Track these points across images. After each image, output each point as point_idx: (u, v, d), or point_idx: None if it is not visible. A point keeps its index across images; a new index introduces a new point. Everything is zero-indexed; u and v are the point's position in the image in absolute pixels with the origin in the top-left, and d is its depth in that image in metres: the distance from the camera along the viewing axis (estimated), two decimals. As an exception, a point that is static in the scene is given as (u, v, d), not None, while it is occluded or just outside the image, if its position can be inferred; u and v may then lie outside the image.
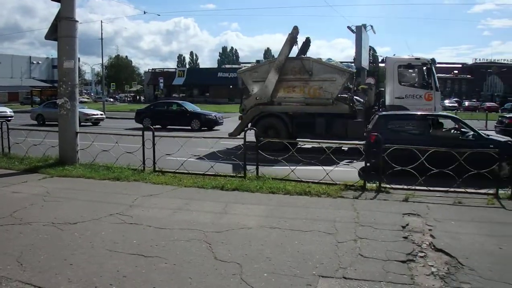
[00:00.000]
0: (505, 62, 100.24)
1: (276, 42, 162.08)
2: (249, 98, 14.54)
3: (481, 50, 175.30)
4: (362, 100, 15.07)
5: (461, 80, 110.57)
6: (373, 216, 6.15)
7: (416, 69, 14.06)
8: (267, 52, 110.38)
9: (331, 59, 14.71)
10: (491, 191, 7.53)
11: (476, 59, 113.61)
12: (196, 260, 4.65)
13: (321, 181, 8.10)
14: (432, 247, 5.04)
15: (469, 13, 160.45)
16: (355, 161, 9.22)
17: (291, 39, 14.16)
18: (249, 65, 17.33)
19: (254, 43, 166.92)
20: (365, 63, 33.32)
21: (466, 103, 62.23)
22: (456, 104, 57.63)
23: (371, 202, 7.07)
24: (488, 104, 60.35)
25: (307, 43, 15.26)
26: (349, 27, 29.99)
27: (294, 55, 14.56)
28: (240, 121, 14.84)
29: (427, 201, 7.03)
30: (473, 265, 4.55)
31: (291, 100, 14.19)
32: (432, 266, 4.57)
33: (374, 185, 7.83)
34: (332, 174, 8.19)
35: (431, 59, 14.04)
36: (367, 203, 6.96)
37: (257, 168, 8.69)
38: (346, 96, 14.52)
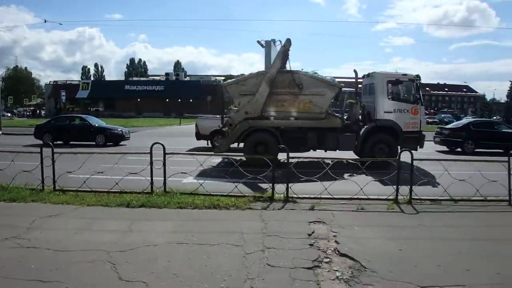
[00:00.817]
0: (359, 78, 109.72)
1: (187, 55, 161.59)
2: (237, 112, 14.11)
3: (383, 65, 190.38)
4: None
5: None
6: (280, 226, 6.30)
7: (403, 84, 14.67)
8: (177, 64, 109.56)
9: (316, 73, 14.87)
10: (391, 197, 8.13)
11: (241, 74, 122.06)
12: (100, 282, 4.39)
13: (230, 194, 8.15)
14: (337, 253, 5.28)
15: (373, 31, 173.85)
16: (354, 174, 9.31)
17: (284, 52, 14.03)
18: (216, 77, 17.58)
19: (163, 55, 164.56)
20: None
21: None
22: None
23: (278, 212, 7.25)
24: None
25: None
26: (258, 42, 30.71)
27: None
28: (226, 136, 14.43)
29: (332, 209, 7.39)
30: (375, 267, 4.83)
31: (282, 114, 13.94)
32: (337, 270, 4.77)
33: (282, 195, 8.06)
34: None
35: (416, 75, 14.74)
36: (274, 214, 7.12)
37: (164, 184, 8.48)
38: (337, 110, 14.73)
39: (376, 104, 14.36)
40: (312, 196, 8.08)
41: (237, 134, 13.88)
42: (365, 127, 14.22)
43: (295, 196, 8.04)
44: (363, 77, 15.57)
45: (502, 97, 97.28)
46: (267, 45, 26.57)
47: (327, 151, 13.95)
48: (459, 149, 19.61)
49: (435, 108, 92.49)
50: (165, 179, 8.51)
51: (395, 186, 8.14)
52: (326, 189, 8.05)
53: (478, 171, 8.60)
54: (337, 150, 13.88)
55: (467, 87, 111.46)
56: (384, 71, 14.96)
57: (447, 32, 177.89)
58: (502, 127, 21.25)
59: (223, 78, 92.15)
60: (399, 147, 13.23)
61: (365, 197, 8.08)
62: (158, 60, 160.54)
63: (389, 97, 14.38)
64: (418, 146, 14.04)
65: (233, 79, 15.18)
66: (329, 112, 14.11)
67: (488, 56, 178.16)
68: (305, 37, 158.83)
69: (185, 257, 5.06)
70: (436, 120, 54.46)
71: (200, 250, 5.30)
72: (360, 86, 15.20)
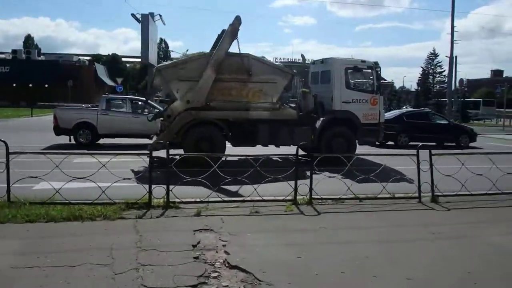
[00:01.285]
0: (307, 62, 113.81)
1: (41, 28, 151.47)
2: (176, 101, 13.51)
3: (282, 48, 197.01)
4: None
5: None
6: (158, 238, 6.15)
7: (362, 72, 15.20)
8: (28, 40, 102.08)
9: (264, 57, 14.80)
10: (290, 197, 8.41)
11: (276, 58, 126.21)
12: None
13: (96, 202, 7.77)
14: (227, 265, 5.30)
15: (270, 7, 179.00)
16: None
17: (233, 31, 13.74)
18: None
19: (9, 27, 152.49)
20: (153, 57, 33.63)
21: None
22: None
23: (157, 221, 7.08)
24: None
25: (223, 33, 15.06)
26: (133, 15, 29.85)
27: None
28: (162, 130, 13.82)
29: (222, 214, 7.41)
30: (271, 279, 4.91)
31: (229, 104, 13.69)
32: (226, 286, 4.77)
33: (162, 200, 7.91)
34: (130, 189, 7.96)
35: (375, 62, 15.38)
36: (152, 223, 6.94)
37: (8, 192, 7.81)
38: (293, 100, 14.64)
39: (333, 93, 14.76)
40: (198, 200, 8.05)
41: (177, 127, 13.30)
42: (322, 119, 14.53)
43: (177, 200, 7.92)
44: (313, 63, 16.10)
45: (412, 85, 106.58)
46: (144, 20, 25.95)
47: (280, 146, 14.05)
48: (391, 143, 20.92)
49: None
50: (8, 186, 7.83)
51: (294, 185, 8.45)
52: (214, 191, 8.07)
53: (392, 166, 9.29)
54: (291, 145, 13.46)
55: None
56: (342, 57, 15.57)
57: (352, 12, 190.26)
58: (436, 118, 23.50)
59: (88, 58, 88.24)
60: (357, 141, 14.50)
61: (260, 198, 8.26)
62: (3, 33, 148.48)
63: (347, 86, 14.93)
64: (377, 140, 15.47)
65: (169, 62, 14.63)
66: (283, 102, 14.22)
67: (397, 39, 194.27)
68: (189, 13, 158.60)
69: (36, 285, 4.69)
70: None
71: (56, 273, 4.94)
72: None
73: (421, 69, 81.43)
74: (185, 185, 8.27)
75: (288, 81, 14.34)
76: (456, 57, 43.37)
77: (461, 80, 49.74)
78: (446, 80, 56.51)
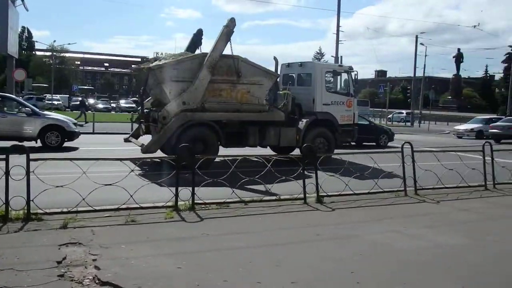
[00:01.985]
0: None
1: None
2: (171, 103, 13.66)
3: (164, 43, 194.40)
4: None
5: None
6: (16, 255, 5.65)
7: (340, 76, 16.97)
8: None
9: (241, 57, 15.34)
10: (170, 203, 8.24)
11: (157, 53, 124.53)
12: None
13: None
14: (97, 281, 5.02)
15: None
16: None
17: (228, 33, 14.41)
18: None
19: None
20: (13, 49, 31.45)
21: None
22: (134, 105, 61.97)
23: (14, 236, 6.50)
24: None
25: (199, 35, 16.09)
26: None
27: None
28: (156, 132, 14.08)
29: (93, 225, 7.05)
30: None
31: (222, 106, 14.40)
32: (96, 306, 4.54)
33: (21, 212, 7.33)
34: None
35: (349, 67, 17.09)
36: (8, 238, 6.36)
37: None
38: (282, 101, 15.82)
39: (315, 96, 16.28)
40: (65, 210, 7.59)
41: (173, 129, 13.50)
42: (306, 120, 15.76)
43: (40, 211, 7.41)
44: (288, 65, 17.71)
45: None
46: (3, 4, 24.59)
47: (267, 147, 15.04)
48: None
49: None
50: None
51: (174, 190, 8.29)
52: (84, 199, 7.65)
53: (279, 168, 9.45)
54: (280, 145, 15.47)
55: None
56: (322, 62, 17.79)
57: (239, 7, 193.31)
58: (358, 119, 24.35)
59: None
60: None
61: (138, 206, 8.01)
62: None
63: (327, 89, 16.65)
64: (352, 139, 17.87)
65: (163, 61, 14.67)
66: (271, 104, 15.59)
67: (284, 37, 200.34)
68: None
69: None
70: None
71: None
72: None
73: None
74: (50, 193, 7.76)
75: (273, 83, 15.64)
76: (341, 57, 45.65)
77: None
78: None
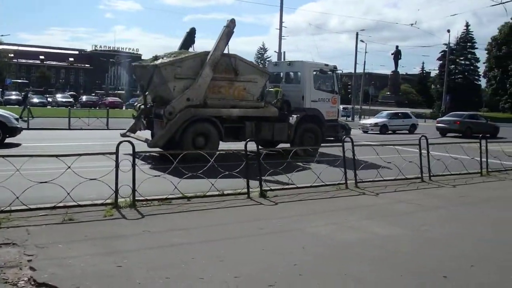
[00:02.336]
0: (130, 51, 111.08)
1: None
2: (177, 99, 14.51)
3: (102, 35, 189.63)
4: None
5: (78, 70, 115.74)
6: None
7: (326, 75, 18.27)
8: None
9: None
10: (110, 200, 8.05)
11: (96, 45, 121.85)
12: None
13: None
14: (33, 283, 4.83)
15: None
16: None
17: (229, 33, 15.44)
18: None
19: None
20: None
21: (84, 98, 66.10)
22: (71, 99, 60.27)
23: None
24: (110, 99, 66.05)
25: (192, 34, 17.28)
26: None
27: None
28: (161, 126, 14.80)
29: (28, 224, 6.79)
30: (86, 293, 4.64)
31: (221, 102, 15.44)
32: (31, 308, 4.38)
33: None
34: None
35: (334, 66, 18.39)
36: None
37: None
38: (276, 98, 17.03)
39: (305, 93, 17.45)
40: (-2, 208, 7.28)
41: (178, 124, 14.40)
42: (296, 116, 16.87)
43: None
44: (275, 64, 20.02)
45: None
46: None
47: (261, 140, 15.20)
48: None
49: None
50: None
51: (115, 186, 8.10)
52: (18, 197, 7.35)
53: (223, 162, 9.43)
54: (274, 140, 16.48)
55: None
56: (309, 61, 18.69)
57: (180, 0, 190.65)
58: None
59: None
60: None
61: (75, 203, 7.78)
62: None
63: (315, 86, 17.81)
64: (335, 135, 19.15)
65: (168, 59, 15.32)
66: (264, 100, 16.75)
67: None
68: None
69: None
70: None
71: None
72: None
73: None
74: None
75: (266, 80, 16.83)
76: (284, 52, 46.08)
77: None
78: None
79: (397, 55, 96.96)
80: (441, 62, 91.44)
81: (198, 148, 13.78)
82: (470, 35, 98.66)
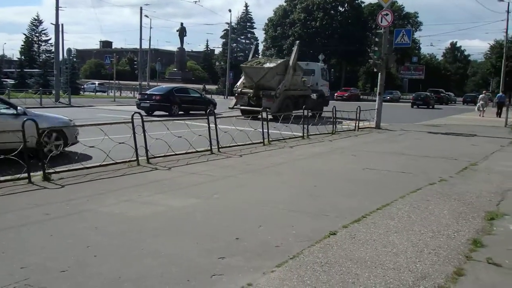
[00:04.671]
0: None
1: None
2: (280, 87, 26.45)
3: None
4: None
5: None
6: None
7: (325, 70, 36.05)
8: None
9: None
10: None
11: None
12: None
13: None
14: None
15: None
16: None
17: (297, 50, 28.36)
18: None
19: None
20: None
21: None
22: None
23: None
24: None
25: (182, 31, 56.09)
26: None
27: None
28: (273, 101, 26.16)
29: None
30: None
31: (294, 87, 28.28)
32: None
33: None
34: None
35: (326, 65, 42.32)
36: None
37: None
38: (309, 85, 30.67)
39: (318, 81, 32.81)
40: None
41: (281, 100, 26.47)
42: (314, 94, 30.43)
43: None
44: (306, 64, 33.07)
45: (14, 53, 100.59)
46: None
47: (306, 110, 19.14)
48: (166, 113, 27.50)
49: None
50: None
51: None
52: None
53: None
54: (312, 110, 24.64)
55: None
56: (318, 63, 37.54)
57: None
58: (192, 92, 31.37)
59: None
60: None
61: None
62: None
63: (321, 77, 33.78)
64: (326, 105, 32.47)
65: (272, 64, 27.28)
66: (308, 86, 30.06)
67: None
68: None
69: None
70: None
71: None
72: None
73: (24, 36, 77.85)
74: None
75: (303, 74, 29.70)
76: (62, 25, 43.27)
77: (69, 50, 49.67)
78: (53, 50, 55.32)
79: (182, 32, 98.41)
80: (224, 40, 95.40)
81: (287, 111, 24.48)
82: (249, 15, 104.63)
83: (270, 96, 26.05)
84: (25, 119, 9.21)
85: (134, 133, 10.69)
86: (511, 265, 5.17)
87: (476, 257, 5.38)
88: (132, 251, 5.35)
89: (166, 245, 5.57)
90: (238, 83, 29.07)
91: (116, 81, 56.49)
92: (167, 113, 27.28)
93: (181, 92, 29.78)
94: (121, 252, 5.34)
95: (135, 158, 10.59)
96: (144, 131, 10.76)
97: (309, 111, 20.66)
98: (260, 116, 16.00)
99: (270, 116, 18.01)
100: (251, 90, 27.07)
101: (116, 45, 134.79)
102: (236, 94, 28.37)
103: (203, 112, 26.30)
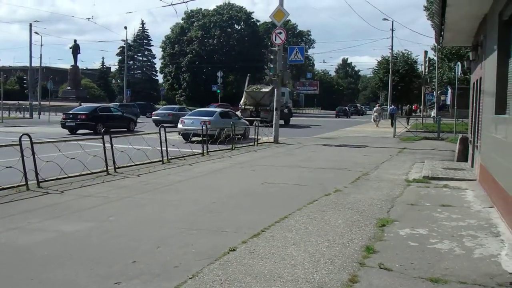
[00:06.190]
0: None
1: None
2: (271, 104, 28.67)
3: None
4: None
5: None
6: None
7: (290, 93, 56.17)
8: None
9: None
10: None
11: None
12: None
13: None
14: None
15: None
16: None
17: (279, 82, 26.21)
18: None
19: None
20: None
21: None
22: None
23: None
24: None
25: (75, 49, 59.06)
26: None
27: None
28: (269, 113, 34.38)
29: None
30: None
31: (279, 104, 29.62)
32: None
33: None
34: None
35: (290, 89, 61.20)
36: None
37: None
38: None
39: (287, 100, 44.85)
40: None
41: (272, 113, 26.78)
42: (286, 109, 42.19)
43: None
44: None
45: None
46: None
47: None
48: (91, 131, 27.22)
49: None
50: None
51: None
52: None
53: None
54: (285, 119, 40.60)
55: None
56: (287, 88, 50.34)
57: None
58: (115, 110, 32.21)
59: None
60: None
61: None
62: None
63: (290, 97, 49.05)
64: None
65: (267, 89, 39.09)
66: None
67: None
68: None
69: None
70: None
71: None
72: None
73: None
74: None
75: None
76: None
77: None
78: None
79: (75, 49, 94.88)
80: (120, 57, 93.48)
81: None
82: (146, 32, 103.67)
83: (266, 110, 38.69)
84: None
85: (22, 155, 10.10)
86: (401, 268, 5.49)
87: (369, 263, 5.66)
88: (21, 281, 5.07)
89: (57, 273, 5.34)
90: (241, 102, 42.92)
91: (4, 101, 53.27)
92: (92, 131, 27.18)
93: (104, 110, 30.79)
94: (8, 284, 5.04)
95: (24, 183, 10.02)
96: (33, 153, 10.23)
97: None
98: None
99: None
100: (252, 107, 41.22)
101: (4, 63, 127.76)
102: (240, 109, 41.51)
103: (125, 129, 29.14)
